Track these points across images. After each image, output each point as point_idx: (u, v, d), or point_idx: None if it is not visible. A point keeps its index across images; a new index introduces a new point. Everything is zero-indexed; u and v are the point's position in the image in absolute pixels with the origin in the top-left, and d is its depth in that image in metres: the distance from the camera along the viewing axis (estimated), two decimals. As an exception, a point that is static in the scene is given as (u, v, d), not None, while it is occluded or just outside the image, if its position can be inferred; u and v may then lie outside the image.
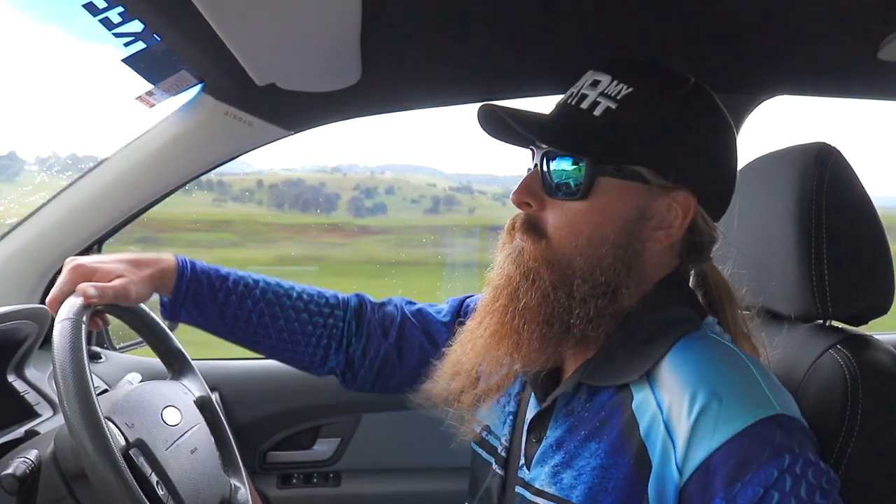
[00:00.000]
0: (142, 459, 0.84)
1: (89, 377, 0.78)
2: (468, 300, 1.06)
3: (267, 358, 1.05)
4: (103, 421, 0.76)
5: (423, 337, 1.03)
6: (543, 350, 0.78)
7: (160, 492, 0.84)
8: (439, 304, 1.08)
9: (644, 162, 0.76)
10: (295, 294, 1.03)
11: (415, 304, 1.08)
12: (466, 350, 0.84)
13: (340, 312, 1.04)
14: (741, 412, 0.66)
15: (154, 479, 0.84)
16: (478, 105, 0.82)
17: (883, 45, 1.07)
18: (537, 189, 0.79)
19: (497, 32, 1.05)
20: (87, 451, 0.74)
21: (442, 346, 1.01)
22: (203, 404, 1.08)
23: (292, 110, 1.30)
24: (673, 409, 0.69)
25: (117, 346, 1.60)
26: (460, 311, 1.05)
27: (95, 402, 0.76)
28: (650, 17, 0.99)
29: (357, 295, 1.08)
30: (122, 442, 0.84)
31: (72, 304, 0.85)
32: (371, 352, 1.03)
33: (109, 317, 1.50)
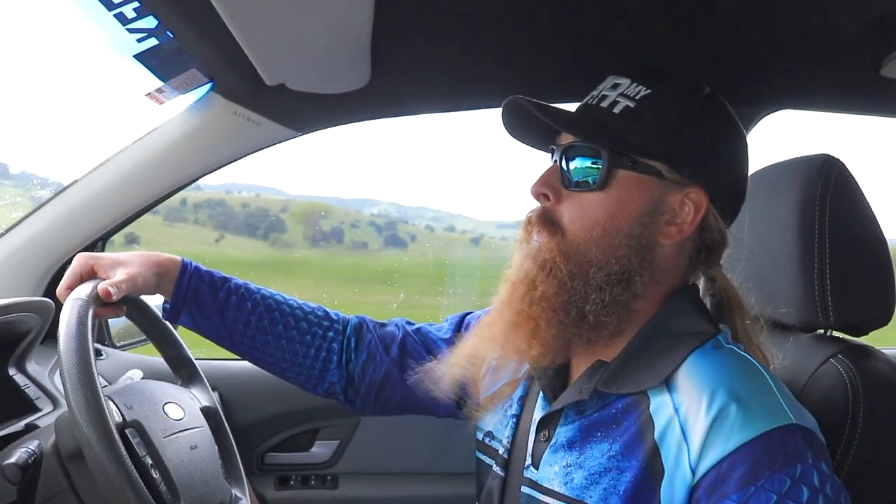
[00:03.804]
0: (137, 440, 0.84)
1: (92, 353, 0.78)
2: (468, 317, 1.07)
3: (265, 370, 1.05)
4: (102, 395, 0.76)
5: (426, 354, 1.03)
6: (560, 337, 0.79)
7: (154, 475, 0.83)
8: (438, 323, 1.09)
9: (659, 157, 0.78)
10: (295, 304, 1.04)
11: (414, 323, 1.08)
12: (483, 338, 0.86)
13: (340, 327, 1.05)
14: (758, 419, 0.67)
15: (148, 461, 0.83)
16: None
17: (886, 62, 1.08)
18: (556, 182, 0.82)
19: (509, 39, 1.06)
20: (82, 421, 0.73)
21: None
22: (209, 413, 1.07)
23: (301, 111, 1.31)
24: (690, 411, 0.70)
25: (118, 344, 1.59)
26: (461, 328, 1.05)
27: (96, 375, 0.76)
28: (654, 30, 1.01)
29: (358, 315, 1.08)
30: (119, 419, 0.84)
31: (83, 288, 0.85)
32: (371, 369, 1.03)
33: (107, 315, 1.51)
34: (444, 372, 0.92)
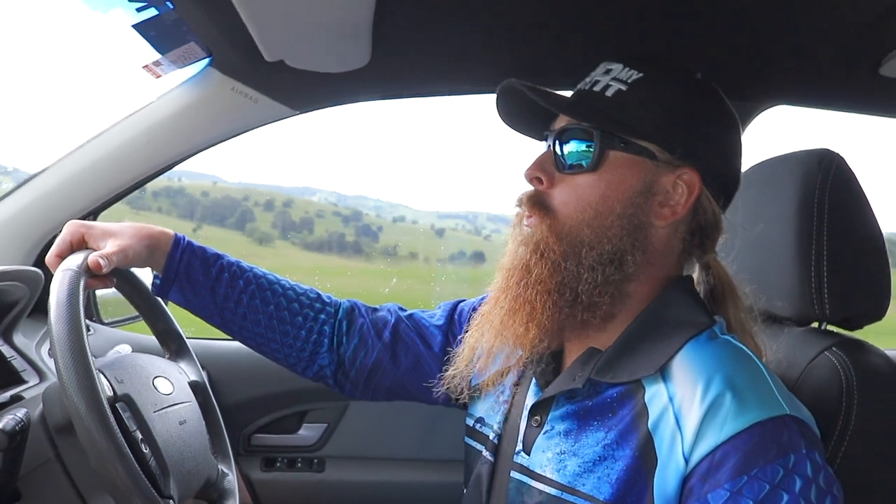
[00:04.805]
0: (128, 414, 0.83)
1: (83, 325, 0.76)
2: (461, 304, 1.07)
3: (254, 350, 1.04)
4: (94, 367, 0.75)
5: (418, 339, 1.03)
6: (555, 319, 0.79)
7: (144, 449, 0.83)
8: (431, 310, 1.08)
9: (650, 138, 0.79)
10: (287, 284, 1.03)
11: (406, 309, 1.08)
12: (485, 330, 0.85)
13: (332, 310, 1.04)
14: (752, 408, 0.67)
15: (138, 435, 0.83)
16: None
17: (885, 61, 1.09)
18: (549, 167, 0.83)
19: (510, 23, 1.06)
20: (73, 393, 0.72)
21: (436, 348, 1.02)
22: (197, 388, 1.07)
23: (299, 89, 1.29)
24: (684, 400, 0.71)
25: (105, 321, 1.58)
26: (454, 315, 1.05)
27: (87, 347, 0.75)
28: (655, 21, 1.01)
29: (350, 300, 1.08)
30: (110, 393, 0.83)
31: (74, 258, 0.84)
32: (363, 354, 1.02)
33: (98, 294, 1.49)
34: (456, 373, 0.91)
